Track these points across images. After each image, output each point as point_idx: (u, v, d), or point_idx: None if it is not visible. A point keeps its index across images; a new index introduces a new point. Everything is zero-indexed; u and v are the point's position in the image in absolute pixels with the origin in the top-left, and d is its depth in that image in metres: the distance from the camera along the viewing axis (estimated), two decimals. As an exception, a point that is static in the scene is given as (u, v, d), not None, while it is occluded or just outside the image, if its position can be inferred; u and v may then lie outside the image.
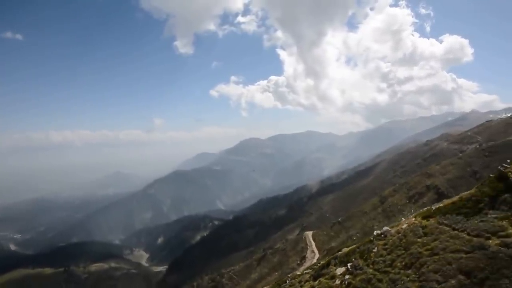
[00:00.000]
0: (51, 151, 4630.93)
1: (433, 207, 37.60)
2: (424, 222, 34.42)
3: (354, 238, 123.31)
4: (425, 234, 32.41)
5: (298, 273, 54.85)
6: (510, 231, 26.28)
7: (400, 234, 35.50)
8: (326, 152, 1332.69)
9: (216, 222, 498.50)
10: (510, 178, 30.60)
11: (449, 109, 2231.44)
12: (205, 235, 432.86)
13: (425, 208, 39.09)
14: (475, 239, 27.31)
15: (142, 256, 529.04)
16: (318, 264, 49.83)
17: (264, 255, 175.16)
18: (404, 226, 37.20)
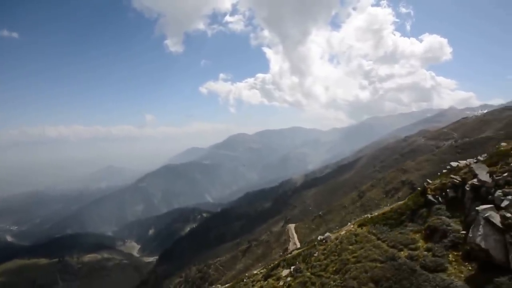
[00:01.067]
0: (47, 146, 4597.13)
1: (369, 215, 41.02)
2: (358, 230, 36.59)
3: (334, 231, 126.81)
4: (356, 242, 34.48)
5: (255, 272, 58.47)
6: (419, 244, 28.22)
7: (337, 241, 38.41)
8: (311, 147, 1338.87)
9: (205, 215, 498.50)
10: (428, 195, 32.93)
11: (428, 106, 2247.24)
12: (194, 227, 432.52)
13: (364, 216, 42.24)
14: (390, 249, 29.41)
15: (133, 247, 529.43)
16: (272, 265, 53.46)
17: (249, 247, 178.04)
18: (343, 232, 39.94)
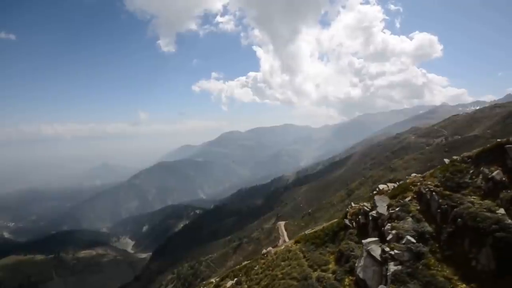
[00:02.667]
0: (43, 144, 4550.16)
1: (307, 232, 41.76)
2: (293, 246, 38.49)
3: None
4: (287, 259, 36.83)
5: (211, 280, 59.02)
6: (330, 266, 30.54)
7: (275, 256, 39.85)
8: (303, 144, 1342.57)
9: (198, 211, 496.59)
10: (346, 219, 34.84)
11: (420, 103, 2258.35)
12: (187, 223, 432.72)
13: (304, 232, 42.94)
14: (307, 269, 31.33)
15: (128, 244, 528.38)
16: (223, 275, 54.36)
17: (240, 244, 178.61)
18: (282, 248, 41.45)
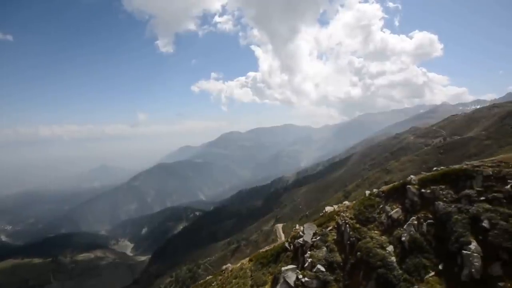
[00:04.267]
0: (41, 145, 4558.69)
1: (261, 250, 43.27)
2: (246, 264, 40.11)
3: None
4: (238, 276, 38.48)
5: None
6: (266, 286, 32.17)
7: (231, 272, 41.30)
8: (303, 144, 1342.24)
9: (197, 213, 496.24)
10: (286, 241, 36.33)
11: (421, 102, 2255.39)
12: (186, 225, 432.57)
13: (260, 250, 44.38)
14: None
15: (127, 246, 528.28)
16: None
17: (238, 247, 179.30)
18: (238, 265, 42.82)
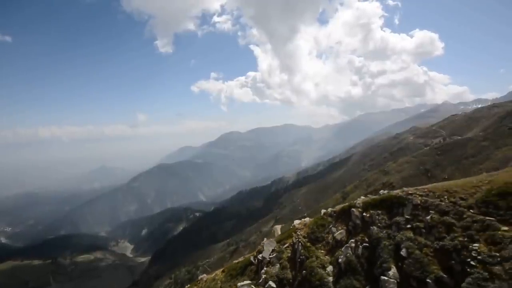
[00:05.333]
0: (40, 147, 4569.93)
1: (234, 261, 44.20)
2: (218, 275, 40.87)
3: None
4: (210, 287, 39.36)
5: None
6: None
7: (205, 283, 41.99)
8: (303, 144, 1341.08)
9: (197, 214, 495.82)
10: (251, 257, 36.93)
11: (422, 101, 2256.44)
12: (186, 227, 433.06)
13: (235, 261, 45.54)
14: None
15: (126, 248, 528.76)
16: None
17: (237, 248, 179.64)
18: (213, 275, 43.51)
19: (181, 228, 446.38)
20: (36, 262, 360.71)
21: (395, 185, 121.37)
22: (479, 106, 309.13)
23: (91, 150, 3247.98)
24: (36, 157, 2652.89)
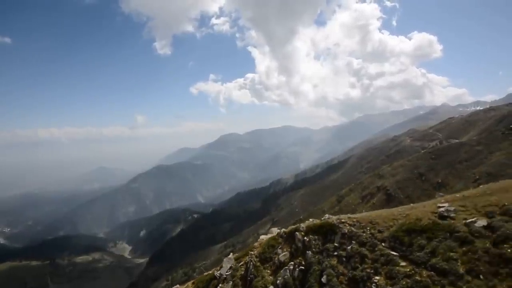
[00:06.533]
0: (39, 148, 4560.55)
1: (205, 273, 45.02)
2: (190, 287, 42.21)
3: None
4: None
5: None
6: None
7: None
8: (302, 146, 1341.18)
9: (196, 215, 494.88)
10: (215, 271, 38.27)
11: (421, 103, 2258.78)
12: (184, 228, 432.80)
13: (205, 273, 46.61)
14: None
15: (125, 249, 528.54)
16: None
17: (232, 251, 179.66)
18: (184, 286, 44.76)
19: (180, 229, 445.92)
20: (35, 263, 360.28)
21: (390, 188, 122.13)
22: (478, 108, 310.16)
23: (90, 151, 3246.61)
24: (36, 158, 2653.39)
